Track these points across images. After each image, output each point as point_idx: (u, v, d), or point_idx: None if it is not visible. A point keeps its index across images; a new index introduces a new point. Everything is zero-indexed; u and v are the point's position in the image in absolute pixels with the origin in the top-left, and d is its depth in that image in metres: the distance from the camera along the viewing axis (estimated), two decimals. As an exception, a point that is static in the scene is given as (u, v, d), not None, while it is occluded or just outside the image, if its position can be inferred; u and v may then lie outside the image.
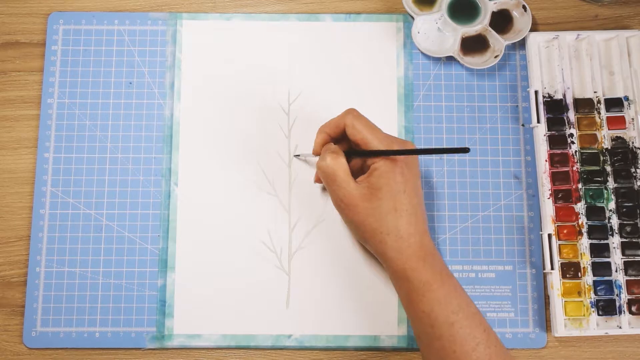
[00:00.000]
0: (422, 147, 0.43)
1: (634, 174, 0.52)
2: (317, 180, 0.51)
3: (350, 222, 0.46)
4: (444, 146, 0.42)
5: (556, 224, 0.51)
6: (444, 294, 0.42)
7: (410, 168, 0.45)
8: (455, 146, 0.41)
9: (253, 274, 0.51)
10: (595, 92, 0.53)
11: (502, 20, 0.54)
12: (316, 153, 0.49)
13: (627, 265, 0.50)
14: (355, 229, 0.46)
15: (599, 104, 0.53)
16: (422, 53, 0.55)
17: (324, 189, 0.53)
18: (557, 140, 0.52)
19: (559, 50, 0.54)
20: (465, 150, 0.39)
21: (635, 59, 0.54)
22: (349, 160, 0.46)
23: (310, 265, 0.51)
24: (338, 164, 0.45)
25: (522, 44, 0.55)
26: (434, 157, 0.53)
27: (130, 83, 0.54)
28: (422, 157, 0.53)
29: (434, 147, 0.43)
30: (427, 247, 0.44)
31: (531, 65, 0.54)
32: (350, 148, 0.48)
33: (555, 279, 0.50)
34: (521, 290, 0.51)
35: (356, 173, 0.47)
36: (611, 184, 0.52)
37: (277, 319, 0.51)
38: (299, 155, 0.53)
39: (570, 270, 0.50)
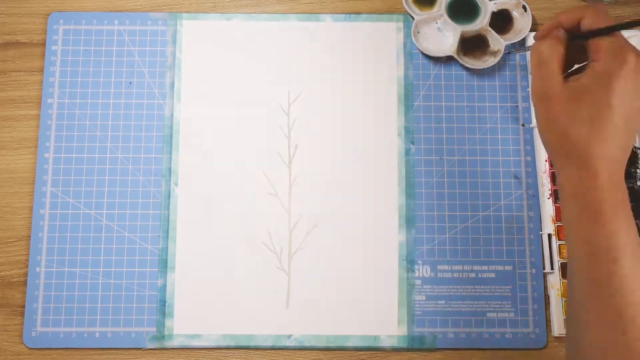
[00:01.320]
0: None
1: (634, 174, 0.52)
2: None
3: (542, 115, 0.40)
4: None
5: (556, 224, 0.51)
6: (626, 225, 0.37)
7: (637, 79, 0.38)
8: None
9: (253, 274, 0.51)
10: (595, 92, 0.53)
11: (502, 20, 0.54)
12: (540, 37, 0.42)
13: (627, 265, 0.50)
14: (544, 124, 0.40)
15: (599, 104, 0.53)
16: (422, 53, 0.55)
17: (323, 189, 0.52)
18: (557, 140, 0.52)
19: (559, 50, 0.54)
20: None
21: (635, 59, 0.53)
22: (570, 52, 0.40)
23: (310, 265, 0.51)
24: (554, 52, 0.39)
25: (522, 44, 0.55)
26: (434, 157, 0.53)
27: (130, 83, 0.54)
28: (420, 157, 0.53)
29: (629, 21, 0.38)
30: (621, 185, 0.38)
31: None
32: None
33: (555, 279, 0.50)
34: (521, 290, 0.51)
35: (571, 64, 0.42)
36: (611, 184, 0.52)
37: (277, 319, 0.51)
38: (511, 52, 0.50)
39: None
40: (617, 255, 0.37)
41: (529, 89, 0.42)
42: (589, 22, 0.40)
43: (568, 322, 0.41)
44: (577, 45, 0.41)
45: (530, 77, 0.41)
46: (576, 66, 0.42)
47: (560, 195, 0.41)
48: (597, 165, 0.38)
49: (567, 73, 0.41)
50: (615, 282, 0.37)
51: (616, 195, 0.38)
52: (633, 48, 0.38)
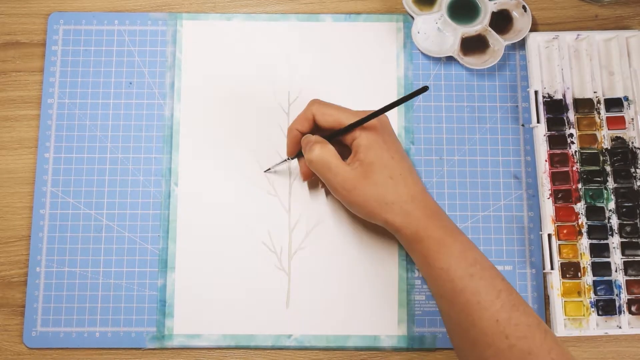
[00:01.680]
0: (391, 102, 0.45)
1: (634, 174, 0.52)
2: (306, 176, 0.50)
3: (354, 204, 0.46)
4: (406, 95, 0.44)
5: (556, 224, 0.51)
6: (459, 249, 0.43)
7: (389, 132, 0.46)
8: (415, 90, 0.44)
9: (253, 274, 0.51)
10: (595, 92, 0.53)
11: (502, 21, 0.54)
12: (291, 153, 0.49)
13: (627, 265, 0.50)
14: (360, 208, 0.46)
15: (598, 104, 0.53)
16: (422, 53, 0.55)
17: (322, 185, 0.52)
18: (557, 140, 0.52)
19: (559, 51, 0.54)
20: (424, 89, 0.41)
21: (635, 59, 0.54)
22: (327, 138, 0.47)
23: (310, 265, 0.51)
24: (328, 151, 0.45)
25: (522, 44, 0.55)
26: (434, 157, 0.53)
27: (130, 83, 0.54)
28: (420, 157, 0.53)
29: (398, 99, 0.45)
30: (432, 205, 0.45)
31: (531, 65, 0.54)
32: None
33: (555, 279, 0.50)
34: (521, 290, 0.51)
35: (341, 157, 0.47)
36: (611, 184, 0.52)
37: (277, 319, 0.51)
38: (268, 170, 0.52)
39: (570, 270, 0.50)
40: (472, 272, 0.42)
41: (331, 188, 0.46)
42: (320, 119, 0.46)
43: (457, 352, 0.45)
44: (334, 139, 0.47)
45: (329, 175, 0.45)
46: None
47: (408, 252, 0.47)
48: (413, 206, 0.44)
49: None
50: (479, 297, 0.42)
51: (439, 221, 0.44)
52: (372, 119, 0.45)
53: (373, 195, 0.44)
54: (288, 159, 0.50)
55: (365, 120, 0.45)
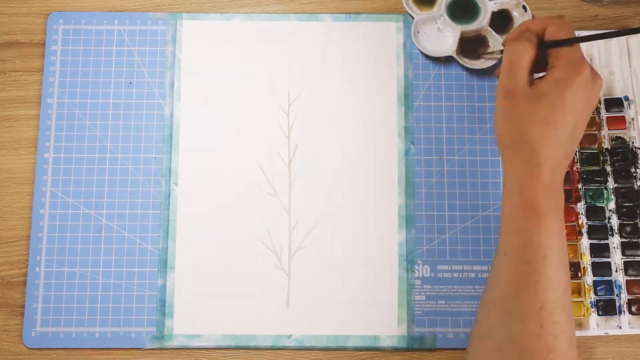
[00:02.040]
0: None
1: (634, 174, 0.52)
2: (498, 73, 0.46)
3: (499, 112, 0.43)
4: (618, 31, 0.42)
5: (556, 224, 0.51)
6: (560, 226, 0.41)
7: (594, 87, 0.42)
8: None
9: (253, 274, 0.51)
10: (595, 92, 0.53)
11: (502, 20, 0.54)
12: (512, 38, 0.45)
13: (627, 265, 0.50)
14: (502, 121, 0.44)
15: (598, 104, 0.53)
16: (422, 53, 0.55)
17: (323, 189, 0.52)
18: (557, 140, 0.52)
19: (559, 50, 0.54)
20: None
21: (635, 59, 0.54)
22: (540, 55, 0.44)
23: (310, 265, 0.51)
24: (526, 54, 0.42)
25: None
26: (434, 157, 0.53)
27: (130, 83, 0.54)
28: (420, 157, 0.53)
29: (600, 33, 0.42)
30: (557, 179, 0.42)
31: (531, 65, 0.54)
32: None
33: (555, 279, 0.50)
34: (521, 290, 0.51)
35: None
36: (611, 184, 0.52)
37: (277, 319, 0.51)
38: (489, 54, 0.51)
39: (570, 270, 0.50)
40: (548, 254, 0.41)
41: (499, 83, 0.44)
42: (552, 32, 0.43)
43: (484, 311, 0.44)
44: (539, 55, 0.44)
45: (500, 72, 0.44)
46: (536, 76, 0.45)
47: (503, 189, 0.44)
48: (543, 165, 0.41)
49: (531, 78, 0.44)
50: (542, 278, 0.41)
51: (555, 197, 0.42)
52: (588, 63, 0.42)
53: (522, 118, 0.42)
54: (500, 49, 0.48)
55: (591, 38, 0.42)
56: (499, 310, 0.42)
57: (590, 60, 0.54)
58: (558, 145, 0.42)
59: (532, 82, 0.43)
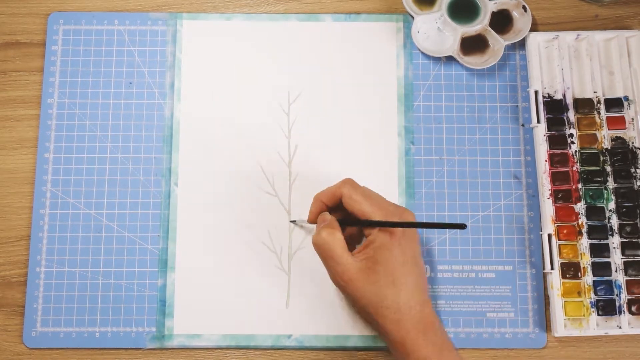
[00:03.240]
0: (421, 221, 0.43)
1: (634, 174, 0.52)
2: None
3: (349, 296, 0.45)
4: (441, 222, 0.42)
5: (556, 224, 0.51)
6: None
7: (409, 239, 0.44)
8: (453, 222, 0.42)
9: (253, 274, 0.51)
10: (595, 92, 0.53)
11: (502, 20, 0.54)
12: (312, 222, 0.48)
13: (627, 265, 0.50)
14: (354, 302, 0.45)
15: (598, 104, 0.53)
16: (422, 53, 0.55)
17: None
18: (557, 140, 0.52)
19: (559, 50, 0.54)
20: (462, 226, 0.40)
21: (635, 59, 0.54)
22: (344, 229, 0.45)
23: (310, 265, 0.51)
24: (334, 239, 0.44)
25: (522, 44, 0.55)
26: (434, 157, 0.53)
27: (130, 83, 0.54)
28: (420, 157, 0.53)
29: (431, 222, 0.43)
30: (428, 319, 0.43)
31: (531, 65, 0.54)
32: (346, 216, 0.47)
33: (555, 279, 0.50)
34: (521, 290, 0.51)
35: (353, 240, 0.47)
36: (611, 184, 0.52)
37: (277, 319, 0.51)
38: (295, 222, 0.52)
39: (570, 270, 0.50)
40: None
41: (330, 274, 0.45)
42: (345, 199, 0.45)
43: None
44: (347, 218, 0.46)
45: (330, 263, 0.44)
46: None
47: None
48: (407, 317, 0.42)
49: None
50: None
51: (429, 339, 0.42)
52: (398, 214, 0.44)
53: (370, 293, 0.43)
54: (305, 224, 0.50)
55: (386, 225, 0.43)
56: None
57: (590, 60, 0.54)
58: (414, 293, 0.43)
59: (361, 222, 0.45)
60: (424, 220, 0.47)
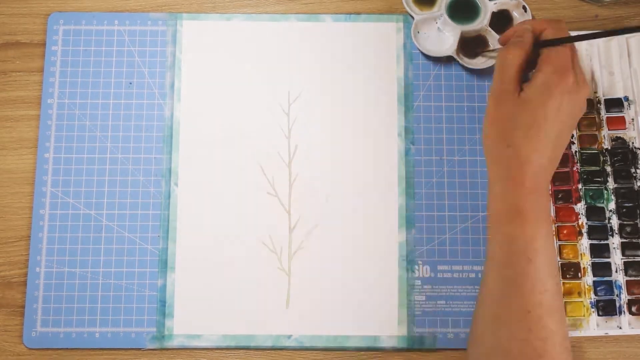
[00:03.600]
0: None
1: (634, 174, 0.52)
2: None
3: (491, 113, 0.44)
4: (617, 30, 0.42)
5: (556, 224, 0.51)
6: (549, 231, 0.42)
7: (573, 98, 0.42)
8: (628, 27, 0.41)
9: (253, 274, 0.51)
10: (595, 92, 0.53)
11: (502, 21, 0.54)
12: (505, 38, 0.47)
13: (627, 266, 0.50)
14: (489, 125, 0.44)
15: (598, 104, 0.53)
16: (422, 53, 0.55)
17: (324, 191, 0.52)
18: (557, 141, 0.52)
19: (559, 51, 0.54)
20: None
21: (635, 59, 0.54)
22: (535, 54, 0.44)
23: (310, 265, 0.51)
24: (516, 60, 0.43)
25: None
26: (434, 157, 0.53)
27: (130, 83, 0.54)
28: (420, 157, 0.53)
29: (598, 32, 0.42)
30: (541, 183, 0.42)
31: (531, 66, 0.54)
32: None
33: (555, 279, 0.50)
34: (521, 290, 0.51)
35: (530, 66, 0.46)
36: (611, 184, 0.52)
37: (277, 319, 0.51)
38: (486, 53, 0.52)
39: (570, 270, 0.50)
40: (533, 257, 0.40)
41: (492, 85, 0.45)
42: (549, 35, 0.44)
43: (475, 319, 0.44)
44: (533, 54, 0.44)
45: (496, 77, 0.44)
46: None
47: (488, 194, 0.44)
48: (525, 168, 0.41)
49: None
50: (527, 281, 0.40)
51: (539, 201, 0.42)
52: (576, 68, 0.42)
53: (506, 122, 0.42)
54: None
55: (585, 38, 0.42)
56: (488, 317, 0.42)
57: (590, 60, 0.54)
58: (541, 151, 0.42)
59: (526, 79, 0.44)
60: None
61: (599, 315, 0.50)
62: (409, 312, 0.51)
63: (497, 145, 0.43)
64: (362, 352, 0.51)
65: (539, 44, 0.44)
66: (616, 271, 0.50)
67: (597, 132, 0.53)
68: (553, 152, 0.43)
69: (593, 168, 0.52)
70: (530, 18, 0.54)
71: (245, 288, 0.51)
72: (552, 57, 0.43)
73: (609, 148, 0.52)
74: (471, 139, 0.54)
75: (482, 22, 0.54)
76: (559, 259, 0.51)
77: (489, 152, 0.44)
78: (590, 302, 0.50)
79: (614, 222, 0.51)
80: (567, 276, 0.50)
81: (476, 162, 0.53)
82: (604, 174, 0.52)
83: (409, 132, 0.54)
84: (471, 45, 0.54)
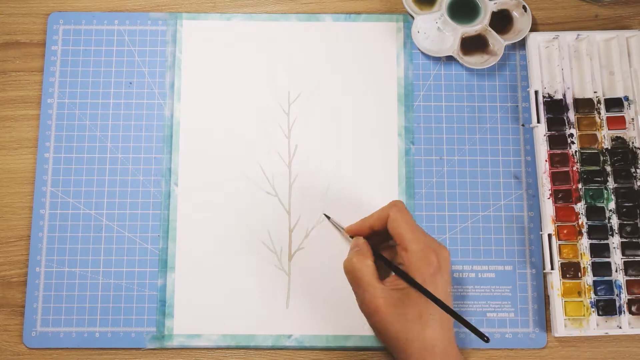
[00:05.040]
0: (453, 310, 0.42)
1: (634, 174, 0.52)
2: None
3: (374, 326, 0.44)
4: (469, 323, 0.42)
5: (556, 224, 0.51)
6: None
7: (444, 274, 0.43)
8: (479, 330, 0.42)
9: (253, 274, 0.51)
10: (595, 92, 0.53)
11: (502, 20, 0.54)
12: (349, 232, 0.48)
13: (627, 266, 0.50)
14: (378, 333, 0.45)
15: (599, 104, 0.53)
16: (422, 53, 0.55)
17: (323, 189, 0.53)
18: (557, 140, 0.52)
19: (559, 50, 0.54)
20: (485, 339, 0.40)
21: (635, 59, 0.54)
22: (377, 255, 0.45)
23: (310, 265, 0.51)
24: (364, 266, 0.44)
25: (522, 44, 0.55)
26: (434, 157, 0.53)
27: (130, 83, 0.54)
28: (420, 157, 0.53)
29: (461, 317, 0.42)
30: (451, 357, 0.42)
31: (531, 65, 0.54)
32: (383, 241, 0.47)
33: (555, 279, 0.50)
34: (521, 290, 0.51)
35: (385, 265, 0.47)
36: (611, 184, 0.52)
37: (277, 319, 0.51)
38: (329, 217, 0.51)
39: (570, 270, 0.50)
40: None
41: (357, 300, 0.45)
42: (390, 222, 0.45)
43: None
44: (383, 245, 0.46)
45: (358, 290, 0.44)
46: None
47: None
48: (434, 351, 0.42)
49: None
50: None
51: None
52: (434, 249, 0.43)
53: (395, 326, 0.42)
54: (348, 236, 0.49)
55: (418, 287, 0.42)
56: None
57: (591, 60, 0.54)
58: (440, 329, 0.42)
59: (392, 266, 0.45)
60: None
61: (599, 315, 0.50)
62: (409, 312, 0.51)
63: (401, 349, 0.42)
64: (362, 352, 0.51)
65: (382, 258, 0.45)
66: (616, 271, 0.50)
67: (597, 132, 0.53)
68: (446, 319, 0.43)
69: (593, 168, 0.52)
70: (530, 18, 0.54)
71: (245, 288, 0.51)
72: (410, 247, 0.43)
73: (609, 148, 0.52)
74: (471, 139, 0.54)
75: (482, 22, 0.54)
76: (559, 259, 0.51)
77: (397, 356, 0.44)
78: (590, 302, 0.50)
79: (614, 221, 0.51)
80: (567, 276, 0.50)
81: (476, 162, 0.53)
82: (604, 173, 0.52)
83: (409, 132, 0.54)
84: (471, 45, 0.54)
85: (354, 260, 0.44)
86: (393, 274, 0.45)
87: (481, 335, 0.41)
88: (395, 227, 0.44)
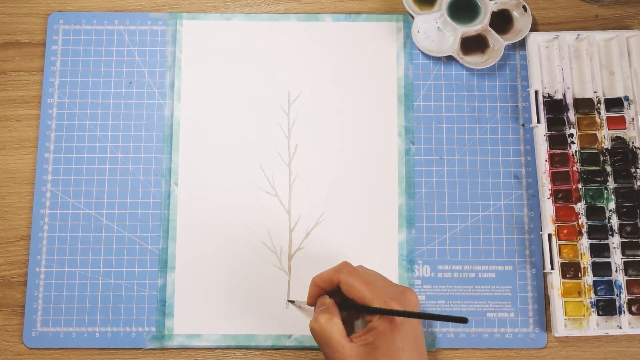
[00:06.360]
0: (422, 312, 0.42)
1: (634, 174, 0.52)
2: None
3: None
4: (443, 314, 0.42)
5: (556, 224, 0.51)
6: None
7: (412, 326, 0.43)
8: (454, 316, 0.41)
9: (253, 274, 0.51)
10: (595, 92, 0.53)
11: (502, 20, 0.54)
12: (310, 304, 0.47)
13: (627, 265, 0.50)
14: None
15: (599, 104, 0.53)
16: (422, 53, 0.55)
17: (324, 193, 0.53)
18: (557, 140, 0.52)
19: (559, 50, 0.54)
20: (463, 320, 0.39)
21: (635, 59, 0.54)
22: (343, 312, 0.44)
23: (310, 265, 0.51)
24: (332, 325, 0.43)
25: (522, 44, 0.55)
26: (434, 157, 0.53)
27: (130, 83, 0.54)
28: (420, 157, 0.53)
29: (433, 313, 0.41)
30: None
31: (531, 65, 0.54)
32: (345, 299, 0.46)
33: (555, 279, 0.50)
34: (521, 290, 0.51)
35: (351, 318, 0.46)
36: (611, 184, 0.52)
37: (277, 319, 0.51)
38: (293, 302, 0.51)
39: (570, 270, 0.50)
40: None
41: (331, 359, 0.44)
42: (343, 287, 0.43)
43: None
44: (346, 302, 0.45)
45: (326, 350, 0.43)
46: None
47: None
48: None
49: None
50: None
51: None
52: (396, 297, 0.42)
53: None
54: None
55: (386, 313, 0.42)
56: None
57: (591, 60, 0.54)
58: None
59: (361, 322, 0.44)
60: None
61: (599, 314, 0.50)
62: (409, 312, 0.51)
63: None
64: (362, 352, 0.51)
65: (349, 308, 0.44)
66: (616, 271, 0.50)
67: (597, 132, 0.53)
68: None
69: (593, 168, 0.52)
70: (530, 18, 0.54)
71: (245, 288, 0.51)
72: (367, 302, 0.42)
73: (609, 148, 0.52)
74: (471, 139, 0.54)
75: (482, 22, 0.54)
76: (559, 259, 0.51)
77: None
78: (590, 302, 0.50)
79: (614, 221, 0.51)
80: (567, 276, 0.50)
81: (476, 162, 0.53)
82: (604, 173, 0.52)
83: (409, 132, 0.54)
84: (471, 45, 0.54)
85: (321, 320, 0.43)
86: (359, 329, 0.45)
87: (458, 320, 0.40)
88: (350, 291, 0.43)
